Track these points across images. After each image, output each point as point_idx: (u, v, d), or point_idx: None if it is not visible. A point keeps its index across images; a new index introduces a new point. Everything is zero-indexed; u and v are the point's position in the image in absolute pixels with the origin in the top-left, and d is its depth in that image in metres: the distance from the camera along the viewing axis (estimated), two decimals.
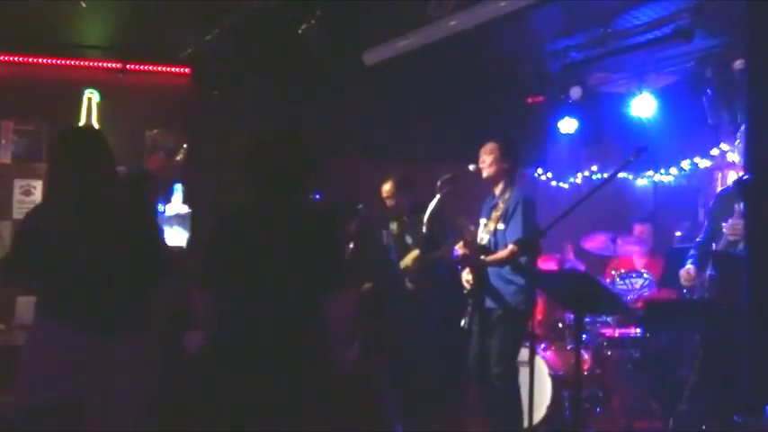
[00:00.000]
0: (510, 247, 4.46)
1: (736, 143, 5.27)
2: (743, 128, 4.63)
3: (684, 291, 5.15)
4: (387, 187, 5.93)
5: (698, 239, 4.80)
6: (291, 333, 2.96)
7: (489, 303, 4.60)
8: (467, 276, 4.67)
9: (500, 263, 4.54)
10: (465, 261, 4.67)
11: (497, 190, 4.73)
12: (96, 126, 6.61)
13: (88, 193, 3.20)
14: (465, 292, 4.66)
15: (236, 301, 3.02)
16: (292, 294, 2.98)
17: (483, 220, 4.76)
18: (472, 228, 4.89)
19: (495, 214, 4.62)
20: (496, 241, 4.61)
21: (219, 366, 3.01)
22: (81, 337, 3.10)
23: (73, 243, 3.14)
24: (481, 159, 4.74)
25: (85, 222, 3.17)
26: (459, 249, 4.68)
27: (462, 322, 4.63)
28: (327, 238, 3.08)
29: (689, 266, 4.63)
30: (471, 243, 4.69)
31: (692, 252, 4.74)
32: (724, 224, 4.37)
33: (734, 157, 6.31)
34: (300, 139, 3.14)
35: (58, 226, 3.18)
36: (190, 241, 6.50)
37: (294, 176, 3.10)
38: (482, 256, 4.61)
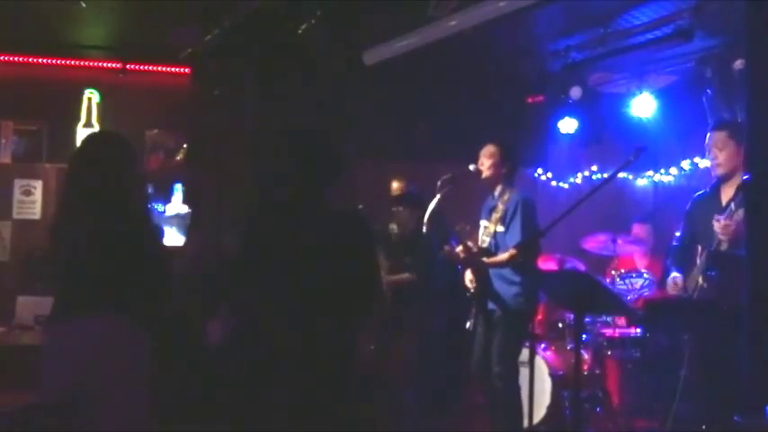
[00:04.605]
0: (510, 251, 4.47)
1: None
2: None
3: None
4: (396, 185, 6.01)
5: (674, 243, 4.74)
6: (317, 353, 2.85)
7: (492, 305, 4.61)
8: (469, 276, 4.67)
9: (500, 265, 4.55)
10: (466, 263, 4.68)
11: (496, 192, 4.74)
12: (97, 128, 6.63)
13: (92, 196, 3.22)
14: (468, 294, 4.67)
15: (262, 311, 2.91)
16: (321, 309, 2.87)
17: (483, 222, 4.77)
18: (468, 228, 4.89)
19: (495, 216, 4.63)
20: (497, 243, 4.61)
21: (246, 371, 2.92)
22: (83, 336, 3.11)
23: (77, 244, 3.16)
24: (480, 161, 4.74)
25: (88, 224, 3.18)
26: (460, 253, 4.68)
27: (468, 324, 4.66)
28: (363, 249, 2.97)
29: (675, 275, 4.51)
30: (471, 246, 4.70)
31: (669, 260, 4.65)
32: (716, 222, 4.32)
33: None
34: (330, 137, 3.04)
35: (65, 229, 3.21)
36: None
37: (326, 175, 2.98)
38: (483, 259, 4.62)
